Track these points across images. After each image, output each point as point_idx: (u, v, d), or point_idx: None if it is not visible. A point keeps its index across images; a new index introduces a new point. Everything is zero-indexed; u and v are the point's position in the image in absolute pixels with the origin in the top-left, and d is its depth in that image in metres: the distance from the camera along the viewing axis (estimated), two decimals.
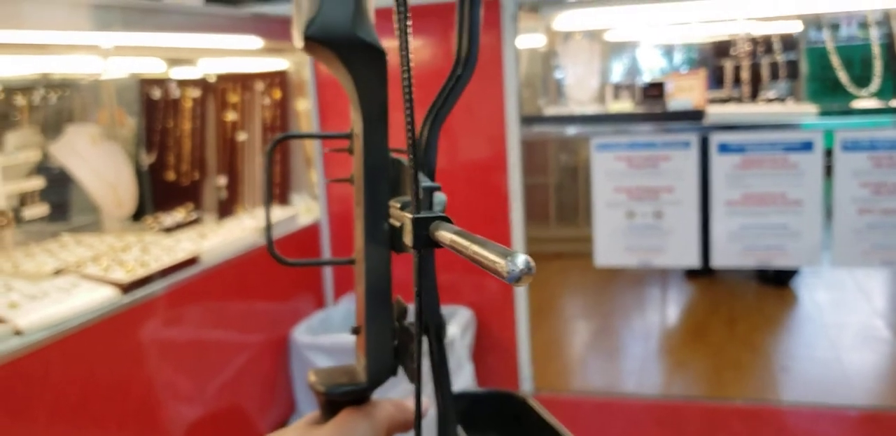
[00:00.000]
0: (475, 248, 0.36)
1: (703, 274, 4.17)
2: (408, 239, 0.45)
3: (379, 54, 0.51)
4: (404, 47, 0.42)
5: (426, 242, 0.43)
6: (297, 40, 0.49)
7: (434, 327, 0.55)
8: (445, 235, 0.41)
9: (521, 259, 0.33)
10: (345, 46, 0.50)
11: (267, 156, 0.60)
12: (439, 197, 0.50)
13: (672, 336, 3.66)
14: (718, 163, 2.40)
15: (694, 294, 4.15)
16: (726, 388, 3.10)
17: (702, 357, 3.36)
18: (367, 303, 0.54)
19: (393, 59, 0.46)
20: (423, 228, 0.44)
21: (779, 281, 4.04)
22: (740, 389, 2.98)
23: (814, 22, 2.80)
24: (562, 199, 4.57)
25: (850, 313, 3.76)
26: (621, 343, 3.64)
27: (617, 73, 3.59)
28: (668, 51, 3.50)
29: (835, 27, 2.74)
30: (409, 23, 0.42)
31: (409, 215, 0.44)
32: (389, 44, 0.46)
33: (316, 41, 0.48)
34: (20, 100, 2.58)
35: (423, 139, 0.55)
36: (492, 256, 0.34)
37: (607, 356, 3.48)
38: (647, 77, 3.42)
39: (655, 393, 2.85)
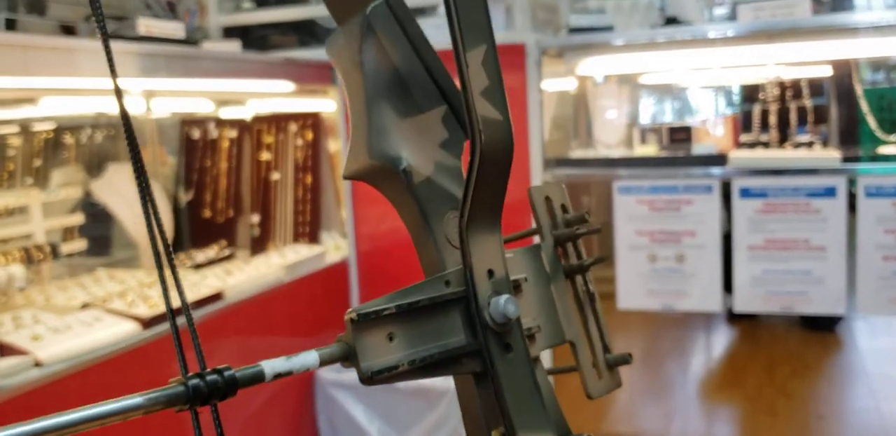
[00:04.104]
0: None
1: (745, 318, 4.12)
2: None
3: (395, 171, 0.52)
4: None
5: None
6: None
7: None
8: None
9: None
10: (368, 178, 0.53)
11: None
12: None
13: (708, 380, 3.61)
14: (740, 207, 2.40)
15: (735, 338, 4.09)
16: (758, 434, 3.05)
17: (737, 403, 3.32)
18: None
19: None
20: None
21: (823, 326, 3.97)
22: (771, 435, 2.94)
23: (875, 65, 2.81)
24: (599, 239, 4.57)
25: (894, 362, 3.68)
26: (655, 387, 3.60)
27: (646, 116, 3.61)
28: (699, 95, 3.51)
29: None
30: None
31: None
32: None
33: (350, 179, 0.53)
34: (69, 139, 2.71)
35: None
36: None
37: (639, 400, 3.45)
38: (675, 121, 3.43)
39: None
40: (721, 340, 4.09)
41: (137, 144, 0.41)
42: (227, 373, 0.43)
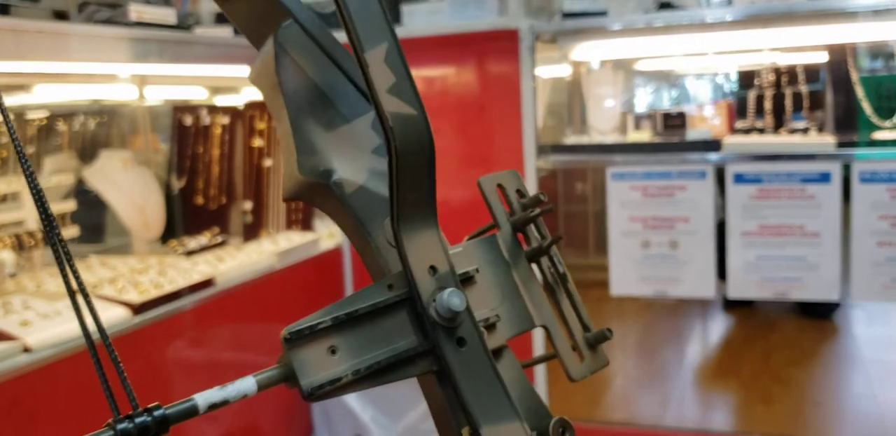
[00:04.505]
0: None
1: (741, 305, 4.11)
2: None
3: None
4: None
5: None
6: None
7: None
8: None
9: None
10: (304, 196, 0.53)
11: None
12: None
13: (704, 367, 3.61)
14: (734, 193, 2.39)
15: (731, 325, 4.09)
16: (753, 422, 3.05)
17: (733, 390, 3.31)
18: None
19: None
20: None
21: (820, 314, 3.96)
22: (768, 423, 2.93)
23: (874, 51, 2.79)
24: (601, 227, 4.56)
25: (890, 349, 3.67)
26: (651, 374, 3.60)
27: (642, 102, 3.60)
28: (694, 81, 3.49)
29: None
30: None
31: None
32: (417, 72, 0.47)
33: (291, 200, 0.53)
34: (62, 125, 2.70)
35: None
36: None
37: (635, 387, 3.45)
38: (670, 107, 3.41)
39: (675, 425, 2.82)
40: (717, 327, 4.09)
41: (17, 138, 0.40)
42: (157, 412, 0.43)
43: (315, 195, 0.52)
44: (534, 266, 0.58)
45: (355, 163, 0.52)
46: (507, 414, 0.47)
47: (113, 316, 1.87)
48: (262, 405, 2.34)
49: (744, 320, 4.08)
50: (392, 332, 0.47)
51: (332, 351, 0.45)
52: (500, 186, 0.58)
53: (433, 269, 0.48)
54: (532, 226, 0.58)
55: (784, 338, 3.82)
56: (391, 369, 0.46)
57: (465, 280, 0.51)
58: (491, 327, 0.51)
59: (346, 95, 0.53)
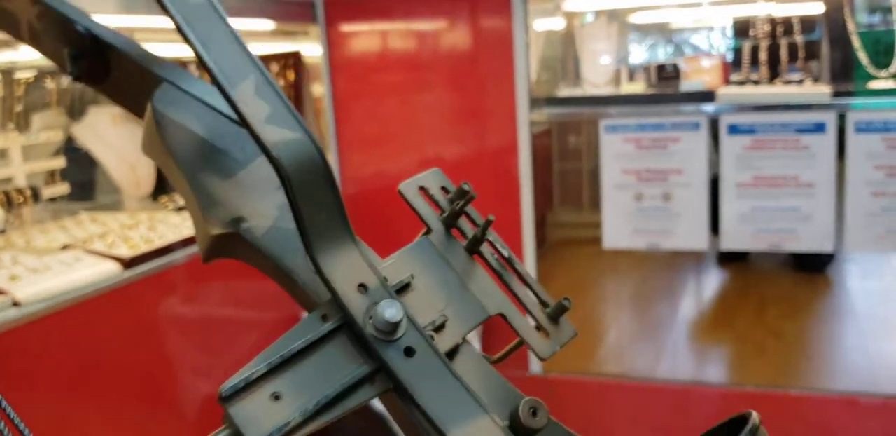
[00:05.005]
0: None
1: (736, 260, 4.12)
2: None
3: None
4: None
5: None
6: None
7: None
8: None
9: None
10: (220, 251, 0.53)
11: None
12: None
13: (698, 321, 3.62)
14: (728, 144, 2.37)
15: (725, 280, 4.10)
16: (746, 374, 3.07)
17: (726, 343, 3.33)
18: None
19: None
20: None
21: (814, 267, 3.97)
22: (760, 376, 2.95)
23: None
24: (595, 184, 4.55)
25: (883, 302, 3.69)
26: (645, 328, 3.62)
27: (635, 54, 3.56)
28: (688, 33, 3.45)
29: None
30: None
31: None
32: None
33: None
34: (49, 83, 2.66)
35: None
36: None
37: (628, 341, 3.47)
38: (665, 59, 3.38)
39: (667, 377, 2.84)
40: (711, 282, 4.10)
41: None
42: None
43: (233, 247, 0.52)
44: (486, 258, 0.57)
45: (262, 204, 0.51)
46: (474, 411, 0.46)
47: (103, 271, 1.86)
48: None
49: (738, 275, 4.09)
50: (336, 362, 0.45)
51: (276, 397, 0.44)
52: (422, 188, 0.57)
53: (363, 286, 0.46)
54: (465, 218, 0.56)
55: (778, 292, 3.83)
56: (343, 399, 0.45)
57: (402, 289, 0.50)
58: (440, 328, 0.50)
59: (238, 140, 0.53)
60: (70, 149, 2.59)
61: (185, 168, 0.51)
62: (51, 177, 2.52)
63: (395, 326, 0.45)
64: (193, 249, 2.11)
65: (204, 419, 2.11)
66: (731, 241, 2.43)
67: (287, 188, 0.43)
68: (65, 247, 2.00)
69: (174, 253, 2.05)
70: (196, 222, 0.52)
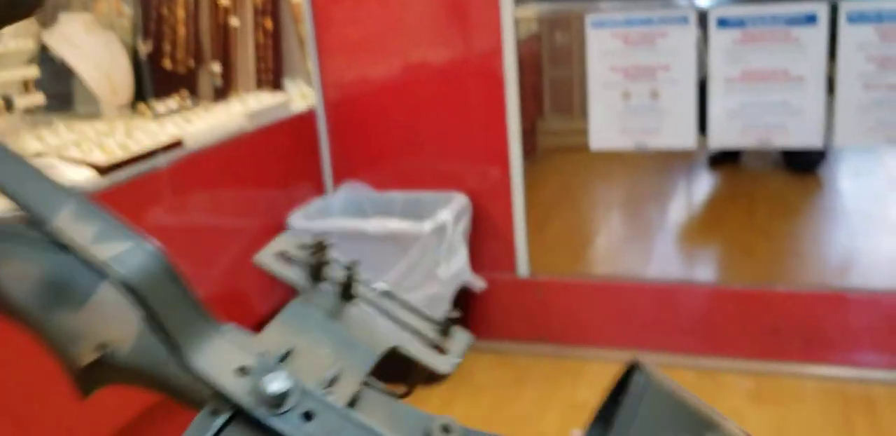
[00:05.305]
0: None
1: (727, 161, 4.09)
2: None
3: None
4: None
5: None
6: None
7: None
8: None
9: None
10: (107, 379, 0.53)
11: None
12: None
13: (687, 223, 3.62)
14: (717, 39, 2.31)
15: (716, 182, 4.08)
16: (734, 274, 3.08)
17: (715, 244, 3.34)
18: None
19: None
20: None
21: (805, 167, 3.94)
22: (749, 275, 2.97)
23: None
24: (585, 91, 4.47)
25: (873, 201, 3.68)
26: (634, 230, 3.62)
27: None
28: None
29: None
30: None
31: None
32: None
33: None
34: None
35: None
36: None
37: (618, 243, 3.48)
38: None
39: (654, 277, 2.85)
40: (702, 184, 4.08)
41: None
42: None
43: (107, 373, 0.51)
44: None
45: (119, 323, 0.51)
46: None
47: (78, 178, 1.82)
48: (244, 270, 2.34)
49: (729, 177, 4.07)
50: None
51: None
52: (280, 253, 0.58)
53: (242, 369, 0.45)
54: (329, 267, 0.57)
55: (768, 193, 3.82)
56: None
57: (284, 357, 0.50)
58: (334, 381, 0.50)
59: (77, 268, 0.51)
60: (46, 60, 2.52)
61: (32, 313, 0.51)
62: (25, 87, 2.46)
63: (283, 397, 0.44)
64: (174, 156, 2.07)
65: None
66: (720, 138, 2.40)
67: (134, 300, 0.42)
68: (38, 155, 1.96)
69: (151, 160, 2.02)
70: (61, 361, 0.51)
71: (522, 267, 2.63)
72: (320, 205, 2.58)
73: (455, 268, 2.46)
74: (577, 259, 3.15)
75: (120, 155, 1.94)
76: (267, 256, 0.57)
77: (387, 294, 0.57)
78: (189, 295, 0.45)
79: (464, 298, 2.64)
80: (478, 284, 2.62)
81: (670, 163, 4.26)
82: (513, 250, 2.64)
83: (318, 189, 2.68)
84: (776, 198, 3.74)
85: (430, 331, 0.57)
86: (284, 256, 0.57)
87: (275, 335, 0.51)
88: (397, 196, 2.63)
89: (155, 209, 2.01)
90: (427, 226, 2.31)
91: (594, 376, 2.50)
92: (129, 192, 1.93)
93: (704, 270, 3.12)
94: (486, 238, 2.65)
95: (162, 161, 2.03)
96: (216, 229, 2.26)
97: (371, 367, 0.52)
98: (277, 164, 2.48)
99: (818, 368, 2.40)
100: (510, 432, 2.27)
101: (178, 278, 0.44)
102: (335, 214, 2.60)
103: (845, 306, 2.38)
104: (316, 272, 0.56)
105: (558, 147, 4.22)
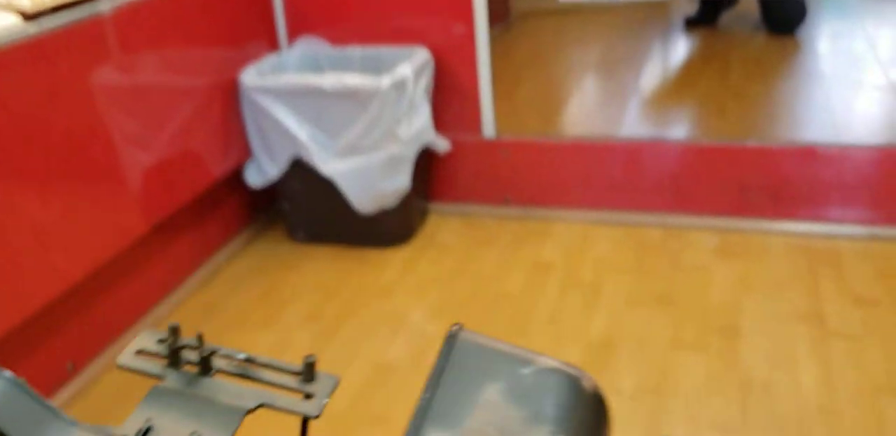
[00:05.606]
0: None
1: (703, 24, 3.96)
2: None
3: None
4: None
5: None
6: None
7: None
8: None
9: None
10: None
11: None
12: None
13: (660, 85, 3.53)
14: None
15: (692, 45, 3.96)
16: (704, 132, 3.02)
17: (687, 105, 3.26)
18: None
19: None
20: None
21: (785, 28, 3.82)
22: (719, 133, 2.91)
23: None
24: None
25: (849, 62, 3.59)
26: (607, 93, 3.53)
27: None
28: None
29: None
30: None
31: None
32: None
33: None
34: None
35: None
36: None
37: (591, 105, 3.39)
38: None
39: (623, 136, 2.78)
40: (678, 47, 3.96)
41: None
42: None
43: None
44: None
45: None
46: None
47: (1, 25, 1.69)
48: (196, 131, 2.24)
49: (705, 39, 3.95)
50: None
51: None
52: (139, 351, 0.64)
53: None
54: (185, 349, 0.63)
55: (745, 55, 3.72)
56: None
57: (145, 434, 0.56)
58: None
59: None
60: None
61: None
62: None
63: None
64: (110, 4, 1.93)
65: (144, 192, 2.03)
66: None
67: None
68: None
69: (87, 6, 1.87)
70: None
71: (488, 128, 2.55)
72: (274, 61, 2.45)
73: (417, 127, 2.37)
74: (546, 122, 3.06)
75: (49, 3, 1.80)
76: (127, 357, 0.63)
77: (248, 360, 0.63)
78: (37, 402, 0.51)
79: (428, 160, 2.56)
80: (442, 145, 2.54)
81: (647, 26, 4.13)
82: (478, 110, 2.55)
83: (272, 44, 2.54)
84: (753, 60, 3.64)
85: (294, 382, 0.62)
86: (143, 353, 0.64)
87: (135, 419, 0.58)
88: (355, 51, 2.50)
89: (94, 63, 1.89)
90: (385, 81, 2.21)
91: (560, 236, 2.46)
92: (63, 41, 1.80)
93: (675, 130, 3.06)
94: (450, 98, 2.55)
95: (101, 9, 1.88)
96: (164, 87, 2.14)
97: (237, 425, 0.58)
98: (227, 14, 2.34)
99: (785, 224, 2.37)
100: (474, 291, 2.25)
101: (26, 389, 0.50)
102: (290, 71, 2.47)
103: (814, 161, 2.33)
104: (174, 358, 0.62)
105: (532, 10, 4.06)
